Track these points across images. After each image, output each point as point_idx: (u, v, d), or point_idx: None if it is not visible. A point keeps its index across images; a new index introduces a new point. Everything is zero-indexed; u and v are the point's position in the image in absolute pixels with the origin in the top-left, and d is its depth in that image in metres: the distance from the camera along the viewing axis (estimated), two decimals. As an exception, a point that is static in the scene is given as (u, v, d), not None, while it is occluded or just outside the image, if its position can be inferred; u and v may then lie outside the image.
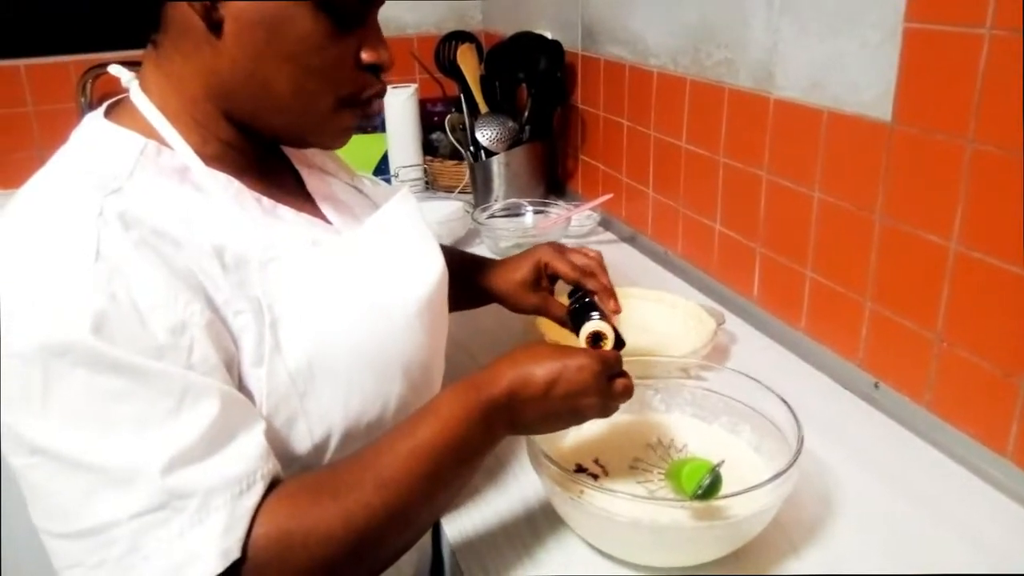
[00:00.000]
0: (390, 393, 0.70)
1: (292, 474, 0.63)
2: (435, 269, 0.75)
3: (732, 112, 1.20)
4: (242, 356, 0.62)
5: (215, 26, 0.62)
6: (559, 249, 0.96)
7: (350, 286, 0.69)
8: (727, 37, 1.19)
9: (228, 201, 0.65)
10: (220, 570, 0.54)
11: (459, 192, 1.84)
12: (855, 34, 0.95)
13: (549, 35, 1.70)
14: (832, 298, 1.05)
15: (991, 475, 0.85)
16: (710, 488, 0.71)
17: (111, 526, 0.54)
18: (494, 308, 1.00)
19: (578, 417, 0.72)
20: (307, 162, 0.80)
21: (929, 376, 0.91)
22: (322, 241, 0.70)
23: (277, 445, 0.63)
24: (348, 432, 0.68)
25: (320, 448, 0.67)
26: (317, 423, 0.66)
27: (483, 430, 0.66)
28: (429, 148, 1.95)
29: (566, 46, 1.67)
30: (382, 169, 1.91)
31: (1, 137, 1.80)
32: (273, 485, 0.59)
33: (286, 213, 0.70)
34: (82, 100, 1.80)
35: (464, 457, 0.66)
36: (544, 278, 0.96)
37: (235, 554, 0.55)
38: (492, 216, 1.60)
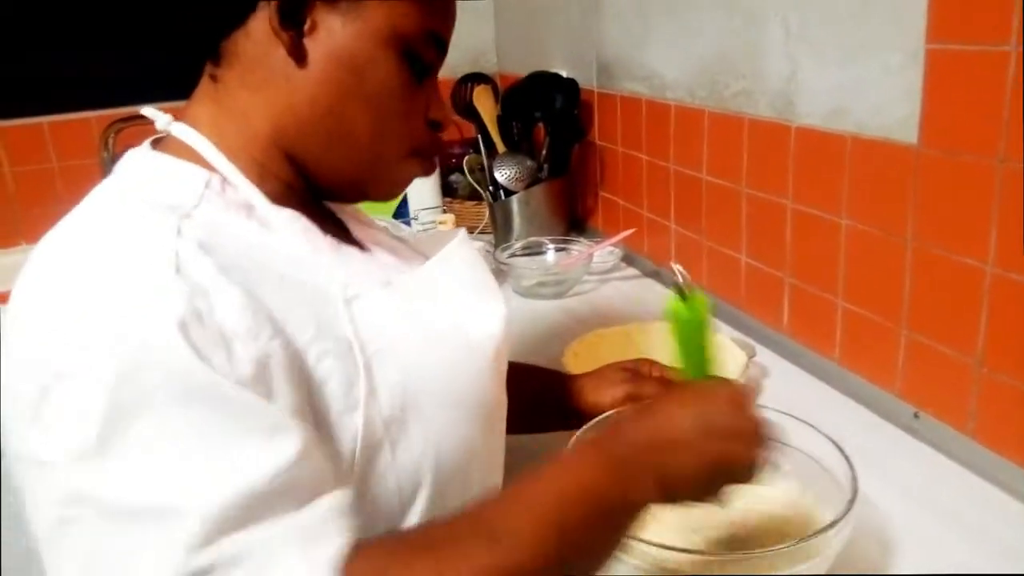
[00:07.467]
0: (474, 438, 0.65)
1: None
2: (501, 312, 0.71)
3: (753, 142, 1.19)
4: (328, 403, 0.56)
5: (300, 58, 0.60)
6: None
7: (432, 326, 0.65)
8: (744, 68, 1.18)
9: (297, 236, 0.62)
10: None
11: (479, 232, 1.83)
12: (876, 58, 0.94)
13: (564, 74, 1.71)
14: (866, 326, 1.02)
15: (1044, 505, 0.82)
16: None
17: None
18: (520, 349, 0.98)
19: (729, 469, 0.60)
20: (345, 212, 0.77)
21: (971, 403, 0.88)
22: (394, 281, 0.65)
23: (363, 503, 0.57)
24: (436, 481, 0.62)
25: (407, 503, 0.61)
26: (407, 473, 0.60)
27: (620, 483, 0.56)
28: (448, 190, 1.96)
29: (582, 84, 1.67)
30: (402, 212, 1.92)
31: (26, 193, 1.82)
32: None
33: (352, 252, 0.67)
34: (104, 155, 1.82)
35: (597, 514, 0.55)
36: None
37: None
38: (513, 255, 1.59)
